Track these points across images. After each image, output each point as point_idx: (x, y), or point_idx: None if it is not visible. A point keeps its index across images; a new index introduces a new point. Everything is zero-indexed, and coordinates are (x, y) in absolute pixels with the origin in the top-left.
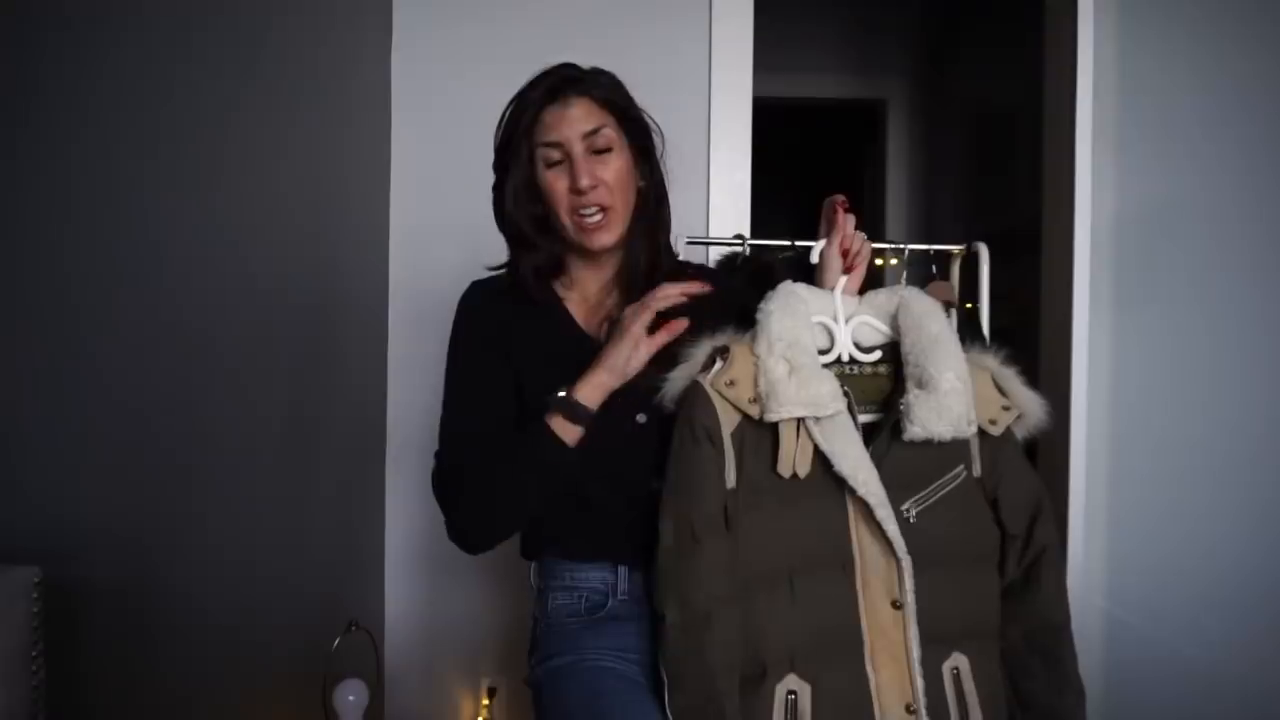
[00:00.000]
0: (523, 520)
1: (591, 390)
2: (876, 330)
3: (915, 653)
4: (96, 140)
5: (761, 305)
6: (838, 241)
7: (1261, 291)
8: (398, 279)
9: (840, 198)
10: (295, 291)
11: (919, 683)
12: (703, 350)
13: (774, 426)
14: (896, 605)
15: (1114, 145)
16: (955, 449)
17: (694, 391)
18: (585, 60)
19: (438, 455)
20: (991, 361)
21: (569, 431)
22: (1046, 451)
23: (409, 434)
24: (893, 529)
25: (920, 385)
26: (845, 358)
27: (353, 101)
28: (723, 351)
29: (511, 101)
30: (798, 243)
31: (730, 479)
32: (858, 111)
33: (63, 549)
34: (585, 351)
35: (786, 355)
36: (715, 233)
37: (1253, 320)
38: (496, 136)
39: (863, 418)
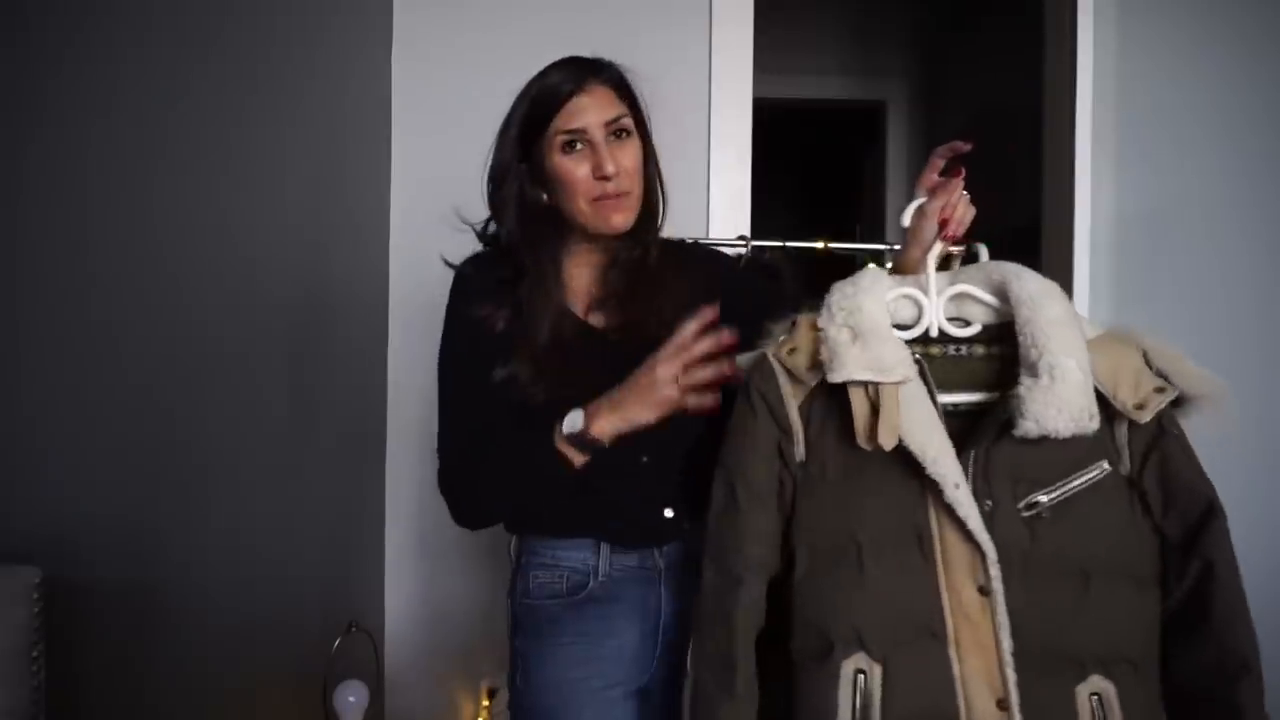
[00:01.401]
0: (525, 509)
1: (608, 425)
2: (981, 304)
3: (1006, 643)
4: (97, 141)
5: (835, 285)
6: (939, 206)
7: (1261, 291)
8: (398, 278)
9: (961, 145)
10: (295, 291)
11: (1011, 676)
12: (780, 327)
13: (842, 398)
14: (983, 591)
15: (1114, 145)
16: (1095, 439)
17: (759, 362)
18: None
19: (441, 453)
20: (1143, 336)
21: (576, 457)
22: None
23: (409, 434)
24: (965, 512)
25: (1034, 373)
26: (934, 332)
27: (353, 101)
28: (790, 325)
29: (528, 90)
30: (794, 243)
31: (799, 452)
32: (858, 113)
33: (63, 549)
34: (576, 339)
35: (849, 323)
36: (715, 233)
37: (1252, 319)
38: (511, 125)
39: (962, 397)
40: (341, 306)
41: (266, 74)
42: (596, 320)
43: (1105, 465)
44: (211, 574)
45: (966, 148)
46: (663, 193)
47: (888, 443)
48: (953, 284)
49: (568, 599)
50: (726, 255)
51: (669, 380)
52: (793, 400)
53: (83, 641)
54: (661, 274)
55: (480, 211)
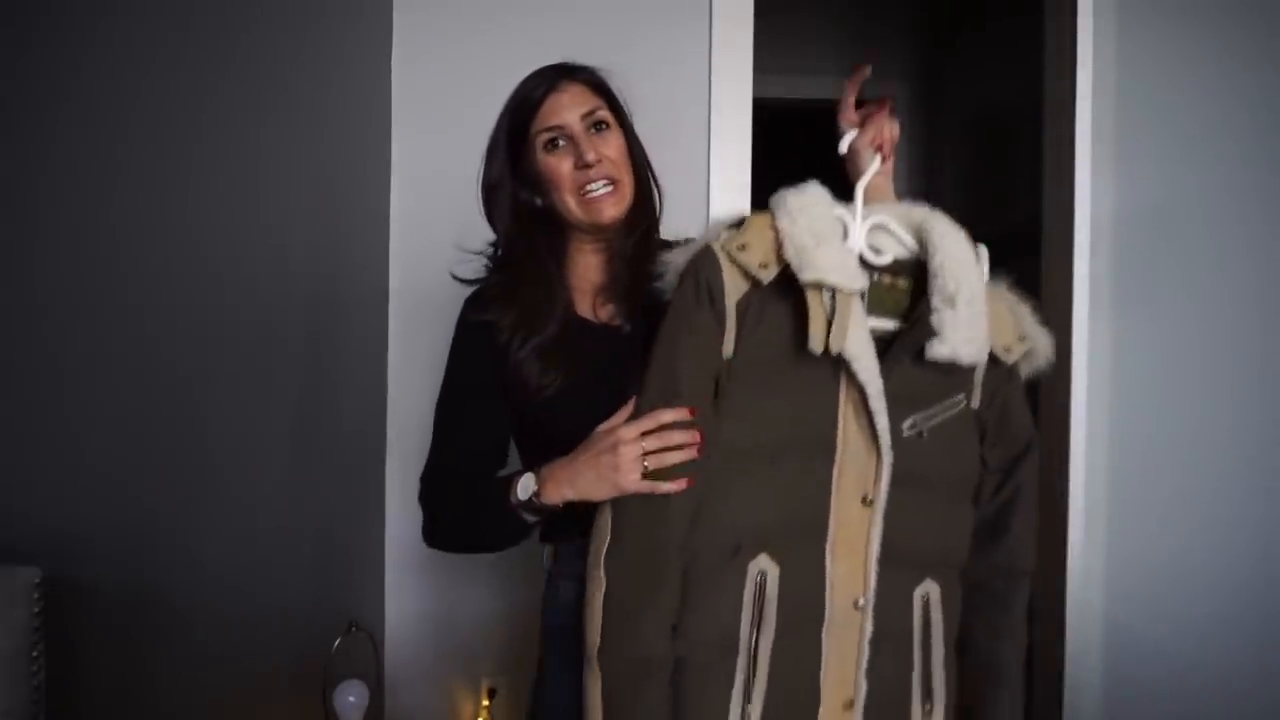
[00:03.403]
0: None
1: (558, 495)
2: (897, 239)
3: (875, 550)
4: (97, 145)
5: (778, 192)
6: (871, 134)
7: (1261, 291)
8: (398, 279)
9: (864, 69)
10: (295, 293)
11: (872, 580)
12: (716, 228)
13: (784, 301)
14: (866, 501)
15: (1114, 145)
16: (961, 376)
17: (703, 253)
18: (585, 60)
19: (423, 474)
20: (1006, 292)
21: (528, 518)
22: (1047, 451)
23: (409, 434)
24: (883, 423)
25: (952, 305)
26: (857, 253)
27: (353, 102)
28: (737, 224)
29: (508, 103)
30: None
31: (728, 349)
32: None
33: (63, 549)
34: (584, 335)
35: (812, 228)
36: None
37: (1252, 319)
38: (497, 138)
39: (875, 322)
40: (341, 305)
41: (265, 74)
42: (605, 314)
43: (962, 398)
44: (211, 574)
45: (867, 71)
46: (656, 183)
47: (837, 346)
48: (877, 212)
49: None
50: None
51: (632, 462)
52: (733, 295)
53: (83, 641)
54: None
55: (479, 216)
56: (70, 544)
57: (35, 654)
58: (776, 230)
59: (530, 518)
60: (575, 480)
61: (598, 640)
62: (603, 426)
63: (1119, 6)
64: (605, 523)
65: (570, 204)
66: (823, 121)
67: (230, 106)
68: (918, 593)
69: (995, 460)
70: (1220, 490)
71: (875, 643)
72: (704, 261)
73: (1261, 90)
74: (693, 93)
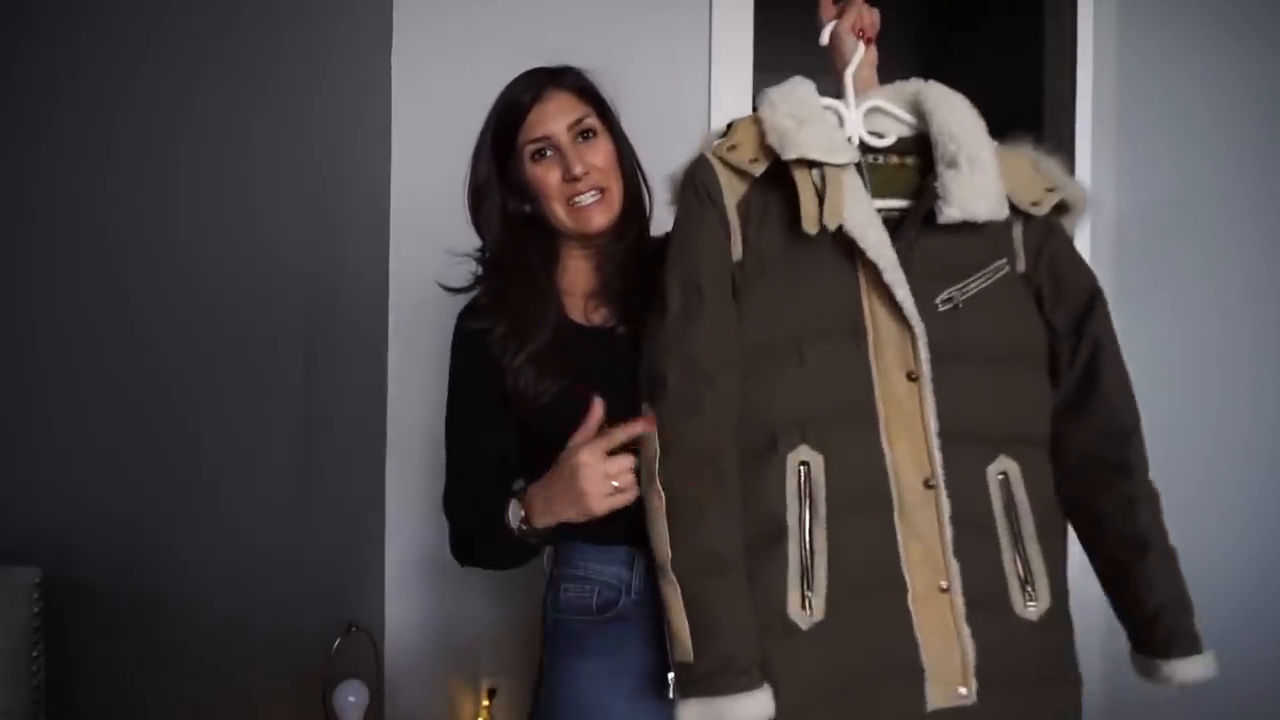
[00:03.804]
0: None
1: (542, 521)
2: (895, 119)
3: (933, 425)
4: (96, 144)
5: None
6: (851, 18)
7: (1262, 289)
8: (398, 280)
9: None
10: (295, 293)
11: (937, 456)
12: (709, 137)
13: (783, 192)
14: (912, 377)
15: (1114, 145)
16: (996, 239)
17: (698, 162)
18: (585, 59)
19: (445, 485)
20: (1029, 149)
21: (531, 539)
22: None
23: (409, 434)
24: (903, 294)
25: (954, 165)
26: (855, 141)
27: (353, 101)
28: (726, 129)
29: (493, 108)
30: None
31: (736, 251)
32: None
33: (63, 549)
34: (579, 340)
35: (793, 113)
36: None
37: (1254, 318)
38: (483, 144)
39: (884, 203)
40: (341, 306)
41: (265, 74)
42: (598, 317)
43: (1005, 263)
44: (211, 574)
45: None
46: (645, 185)
47: (832, 222)
48: (870, 96)
49: (597, 617)
50: None
51: (598, 483)
52: (732, 197)
53: (82, 641)
54: (656, 267)
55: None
56: (70, 544)
57: (35, 654)
58: (760, 123)
59: (532, 540)
60: (550, 505)
61: (668, 552)
62: (572, 442)
63: (1119, 6)
64: (652, 435)
65: (559, 213)
66: None
67: (230, 107)
68: (992, 470)
69: (1062, 322)
70: (1225, 487)
71: (956, 523)
72: (699, 168)
73: (1262, 89)
74: (693, 92)
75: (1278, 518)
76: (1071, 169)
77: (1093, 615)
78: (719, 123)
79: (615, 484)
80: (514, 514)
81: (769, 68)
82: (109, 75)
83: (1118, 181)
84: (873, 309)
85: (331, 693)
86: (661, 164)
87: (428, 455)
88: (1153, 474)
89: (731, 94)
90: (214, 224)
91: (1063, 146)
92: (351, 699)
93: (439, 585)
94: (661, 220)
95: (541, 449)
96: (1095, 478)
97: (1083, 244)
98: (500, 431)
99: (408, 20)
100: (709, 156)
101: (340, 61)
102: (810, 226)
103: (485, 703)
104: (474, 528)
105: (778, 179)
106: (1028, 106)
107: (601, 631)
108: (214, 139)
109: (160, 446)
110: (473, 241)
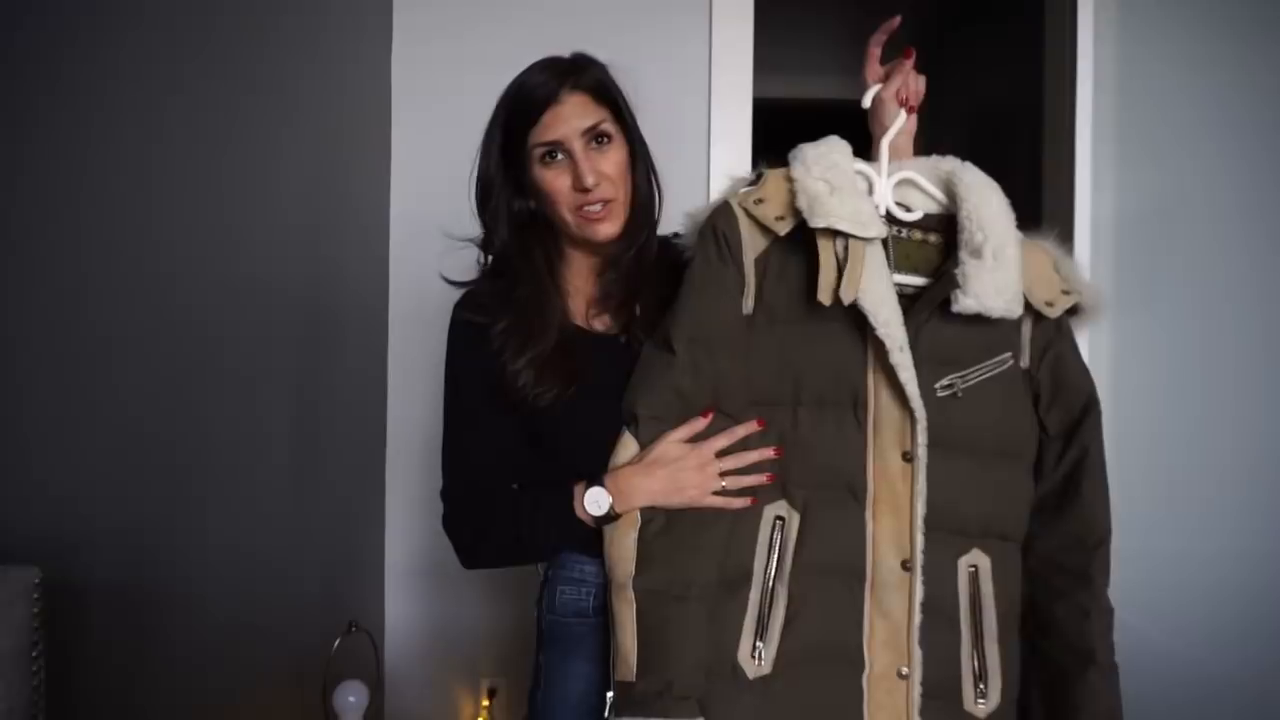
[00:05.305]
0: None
1: (629, 503)
2: (925, 193)
3: (920, 509)
4: (94, 141)
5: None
6: (896, 84)
7: (1262, 291)
8: (398, 281)
9: (892, 23)
10: (296, 292)
11: (919, 540)
12: (736, 184)
13: (802, 255)
14: (907, 457)
15: (1114, 145)
16: (1004, 333)
17: (720, 209)
18: None
19: (444, 498)
20: (1050, 245)
21: (592, 522)
22: None
23: (409, 435)
24: (907, 377)
25: (978, 255)
26: (883, 211)
27: (353, 101)
28: (755, 178)
29: (505, 96)
30: None
31: (748, 305)
32: (858, 112)
33: (63, 549)
34: (581, 346)
35: (825, 176)
36: None
37: (1253, 319)
38: (493, 134)
39: (902, 278)
40: (341, 306)
41: (265, 74)
42: (601, 323)
43: (1009, 357)
44: (211, 574)
45: (896, 23)
46: (658, 187)
47: (847, 296)
48: (904, 168)
49: (592, 619)
50: None
51: (711, 480)
52: (751, 251)
53: (82, 641)
54: (660, 272)
55: (473, 217)
56: (70, 544)
57: (35, 654)
58: (791, 181)
59: (592, 522)
60: (651, 493)
61: (631, 570)
62: (674, 437)
63: (1119, 6)
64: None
65: (566, 218)
66: (823, 121)
67: (229, 106)
68: (964, 562)
69: (1055, 424)
70: (1222, 489)
71: (925, 610)
72: (721, 216)
73: (1262, 89)
74: (693, 92)
75: (1278, 518)
76: (1072, 169)
77: None
78: (719, 124)
79: (725, 484)
80: (596, 503)
81: (769, 67)
82: (108, 75)
83: (1118, 182)
84: (876, 385)
85: (331, 693)
86: (661, 164)
87: (428, 456)
88: (1152, 474)
89: (731, 93)
90: (213, 225)
91: (1063, 146)
92: (351, 699)
93: (439, 585)
94: (670, 219)
95: (538, 450)
96: (1056, 584)
97: (1083, 244)
98: (510, 430)
99: (408, 20)
100: (734, 206)
101: (340, 60)
102: (825, 298)
103: (485, 703)
104: (490, 527)
105: (801, 242)
106: (1027, 106)
107: (598, 634)
108: (213, 139)
109: (161, 447)
110: (471, 245)
